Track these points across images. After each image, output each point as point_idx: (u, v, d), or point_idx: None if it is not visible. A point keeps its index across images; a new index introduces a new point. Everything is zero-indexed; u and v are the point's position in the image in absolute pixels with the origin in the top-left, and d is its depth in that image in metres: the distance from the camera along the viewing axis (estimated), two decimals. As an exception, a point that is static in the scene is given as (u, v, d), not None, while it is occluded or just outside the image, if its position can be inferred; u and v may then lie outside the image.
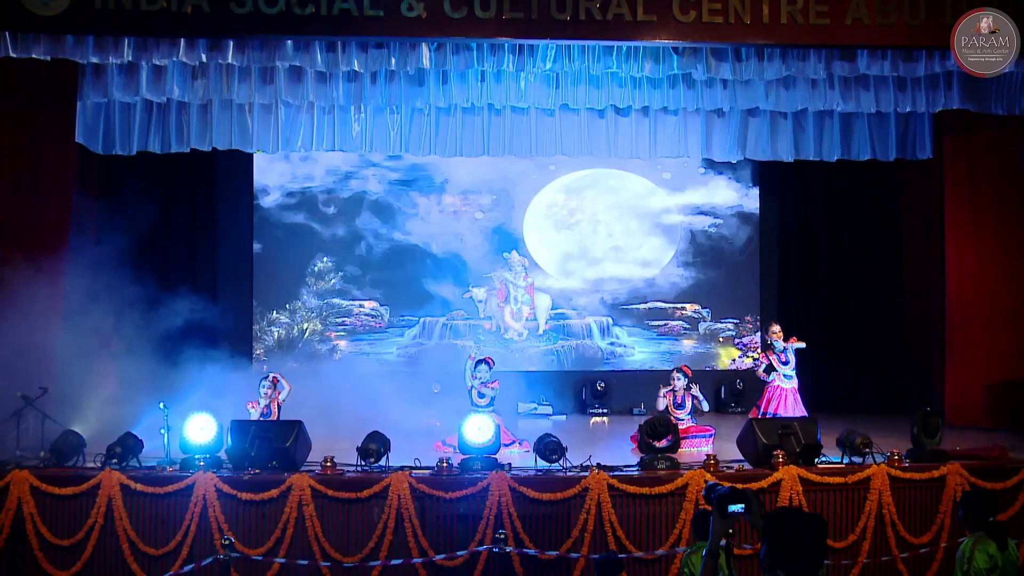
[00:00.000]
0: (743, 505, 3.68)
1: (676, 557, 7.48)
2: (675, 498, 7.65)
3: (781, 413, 9.67)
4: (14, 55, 9.13)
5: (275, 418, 8.97)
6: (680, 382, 9.77)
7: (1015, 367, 10.90)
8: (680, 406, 9.71)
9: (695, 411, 9.88)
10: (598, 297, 13.67)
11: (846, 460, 8.13)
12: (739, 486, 3.73)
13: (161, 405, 8.08)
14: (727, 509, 3.66)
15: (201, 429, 8.00)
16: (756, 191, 13.75)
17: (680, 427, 9.44)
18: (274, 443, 7.87)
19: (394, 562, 7.45)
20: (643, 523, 7.64)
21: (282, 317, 13.32)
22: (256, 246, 13.28)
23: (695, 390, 9.81)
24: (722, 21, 9.27)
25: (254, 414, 8.97)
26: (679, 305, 13.71)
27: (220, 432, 8.04)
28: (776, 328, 10.18)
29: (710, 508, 3.75)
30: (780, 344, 10.03)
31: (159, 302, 10.81)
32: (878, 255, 13.37)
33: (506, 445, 8.95)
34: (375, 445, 7.94)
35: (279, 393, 9.17)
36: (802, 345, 10.08)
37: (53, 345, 9.49)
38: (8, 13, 8.85)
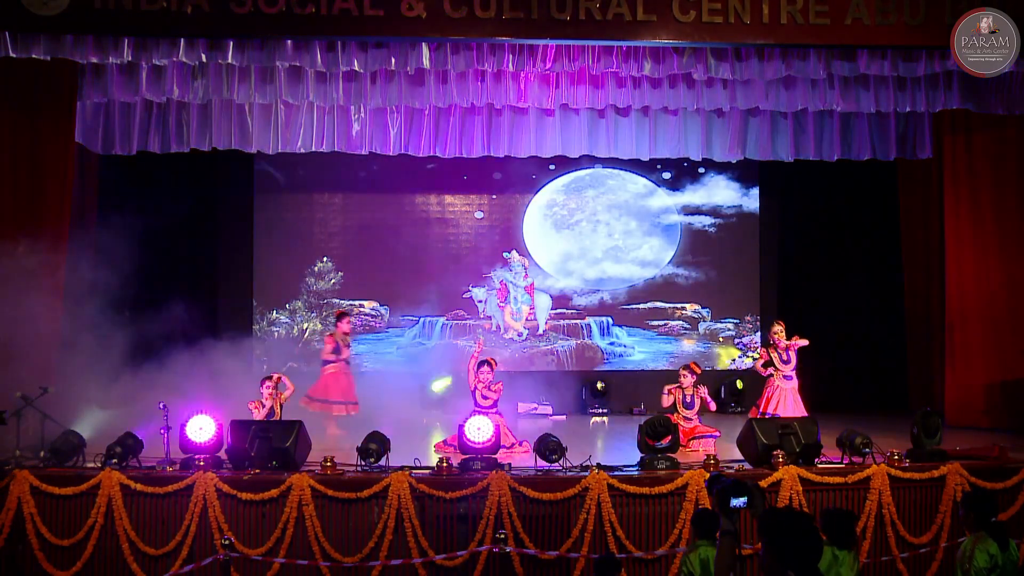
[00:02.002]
0: (745, 499, 3.70)
1: (676, 557, 7.48)
2: (675, 498, 7.65)
3: (781, 413, 9.66)
4: (14, 55, 9.13)
5: (278, 419, 8.97)
6: (688, 379, 9.76)
7: (1015, 367, 10.90)
8: (689, 405, 9.69)
9: (703, 411, 9.86)
10: (598, 297, 13.67)
11: (846, 460, 8.13)
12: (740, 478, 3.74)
13: (161, 405, 8.07)
14: (730, 504, 3.67)
15: (201, 429, 8.00)
16: (756, 191, 13.76)
17: (688, 426, 9.45)
18: (274, 443, 7.87)
19: (394, 562, 7.45)
20: (643, 523, 7.64)
21: (282, 317, 13.32)
22: (256, 246, 13.28)
23: (703, 391, 9.80)
24: (722, 21, 9.27)
25: (258, 415, 8.97)
26: (679, 305, 13.71)
27: (220, 432, 8.04)
28: (778, 327, 10.17)
29: (713, 499, 3.75)
30: (783, 343, 10.02)
31: (159, 302, 10.82)
32: (878, 255, 13.37)
33: (506, 448, 8.94)
34: (375, 445, 7.94)
35: (282, 394, 9.17)
36: (805, 343, 10.07)
37: (53, 344, 9.49)
38: (8, 13, 8.85)
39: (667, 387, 9.84)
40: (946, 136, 11.41)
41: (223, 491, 7.56)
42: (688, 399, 9.71)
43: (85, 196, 10.71)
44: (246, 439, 7.90)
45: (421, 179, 13.34)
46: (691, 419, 9.62)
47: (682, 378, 9.81)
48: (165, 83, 9.92)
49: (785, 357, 10.03)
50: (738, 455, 8.34)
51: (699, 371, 9.94)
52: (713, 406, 9.98)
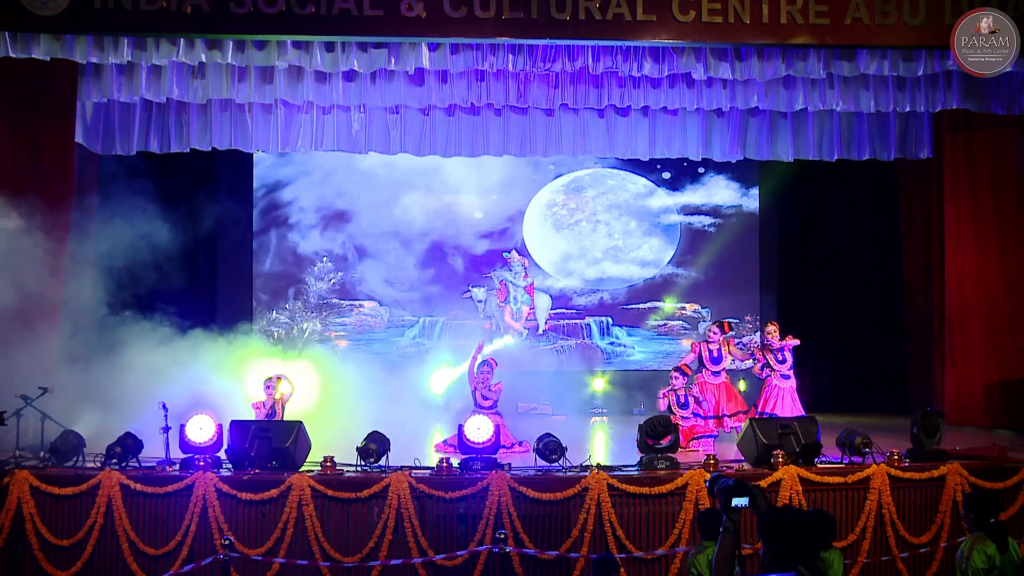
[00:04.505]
0: (747, 499, 3.71)
1: (676, 557, 7.49)
2: (675, 498, 7.65)
3: (779, 412, 9.67)
4: (14, 55, 9.13)
5: (279, 419, 8.96)
6: (679, 381, 9.77)
7: (1015, 367, 10.90)
8: (684, 405, 9.70)
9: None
10: (598, 297, 13.67)
11: (846, 460, 8.13)
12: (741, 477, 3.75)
13: (161, 405, 8.07)
14: (732, 504, 3.68)
15: (201, 429, 8.00)
16: (756, 191, 13.75)
17: (685, 426, 9.46)
18: (274, 443, 7.87)
19: (394, 562, 7.45)
20: (643, 523, 7.64)
21: (282, 317, 13.32)
22: (256, 246, 13.28)
23: (696, 390, 9.82)
24: (722, 21, 9.26)
25: (259, 415, 8.96)
26: (679, 305, 13.71)
27: (220, 432, 8.04)
28: (772, 327, 10.18)
29: (713, 499, 3.77)
30: (776, 343, 10.03)
31: (159, 303, 10.82)
32: (878, 255, 13.37)
33: (506, 447, 8.94)
34: (375, 445, 7.95)
35: (283, 394, 9.16)
36: (797, 342, 10.09)
37: (53, 345, 9.49)
38: (8, 13, 8.85)
39: (661, 391, 9.85)
40: (946, 136, 11.40)
41: (223, 491, 7.56)
42: (682, 400, 9.72)
43: (85, 197, 10.70)
44: (246, 439, 7.90)
45: (421, 179, 13.33)
46: (688, 419, 9.62)
47: (673, 380, 9.81)
48: (165, 83, 9.91)
49: (780, 357, 10.03)
50: (738, 455, 8.34)
51: (690, 372, 9.93)
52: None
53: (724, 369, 10.01)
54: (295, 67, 9.85)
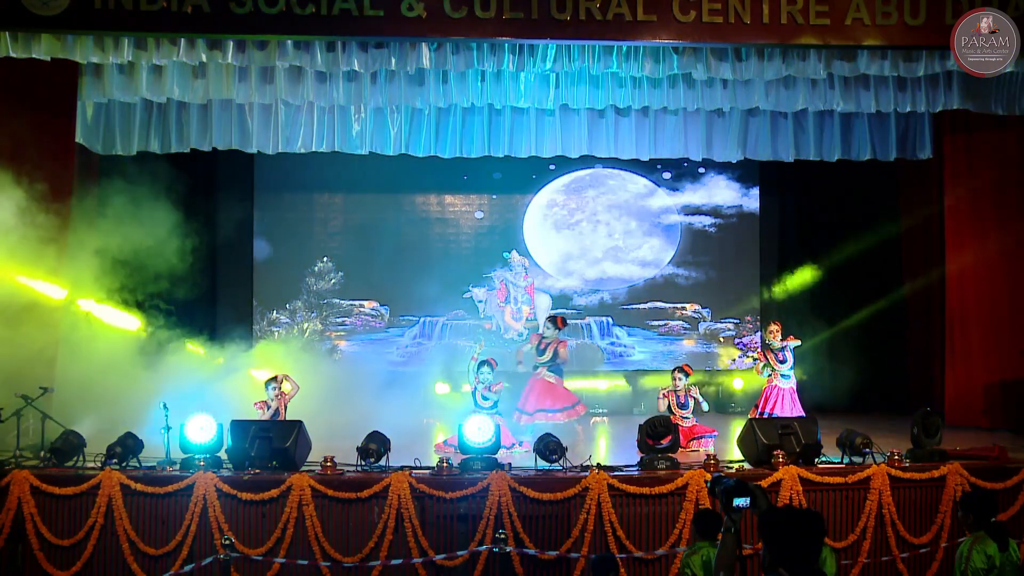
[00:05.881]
0: (748, 499, 3.71)
1: (676, 557, 7.47)
2: (675, 498, 7.65)
3: (779, 413, 9.67)
4: (15, 55, 9.13)
5: (282, 418, 8.95)
6: (681, 382, 9.78)
7: (1015, 367, 10.90)
8: (683, 406, 9.71)
9: (697, 411, 9.90)
10: (598, 297, 13.67)
11: (846, 460, 8.13)
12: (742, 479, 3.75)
13: (162, 405, 8.07)
14: (733, 503, 3.69)
15: (201, 429, 7.99)
16: (756, 191, 13.75)
17: (685, 426, 9.47)
18: (274, 443, 7.87)
19: (394, 562, 7.45)
20: (643, 523, 7.64)
21: (282, 317, 13.32)
22: (256, 246, 13.27)
23: (695, 391, 9.82)
24: (722, 21, 9.26)
25: (263, 415, 8.94)
26: (679, 305, 13.71)
27: (220, 432, 8.04)
28: (774, 327, 10.18)
29: (715, 500, 3.77)
30: (777, 343, 10.03)
31: (160, 302, 10.82)
32: (878, 255, 13.36)
33: (506, 447, 8.94)
34: (375, 445, 7.95)
35: (285, 393, 9.15)
36: (798, 343, 10.09)
37: (53, 345, 9.49)
38: (8, 13, 8.84)
39: (661, 391, 9.86)
40: (946, 136, 11.41)
41: (223, 491, 7.56)
42: (683, 400, 9.73)
43: (85, 196, 10.69)
44: (246, 439, 7.90)
45: (421, 179, 13.32)
46: (687, 419, 9.63)
47: (675, 380, 9.82)
48: (165, 83, 9.91)
49: (781, 357, 10.04)
50: (738, 455, 8.34)
51: (691, 372, 9.95)
52: (705, 407, 10.01)
53: (546, 364, 10.01)
54: (295, 67, 9.84)
